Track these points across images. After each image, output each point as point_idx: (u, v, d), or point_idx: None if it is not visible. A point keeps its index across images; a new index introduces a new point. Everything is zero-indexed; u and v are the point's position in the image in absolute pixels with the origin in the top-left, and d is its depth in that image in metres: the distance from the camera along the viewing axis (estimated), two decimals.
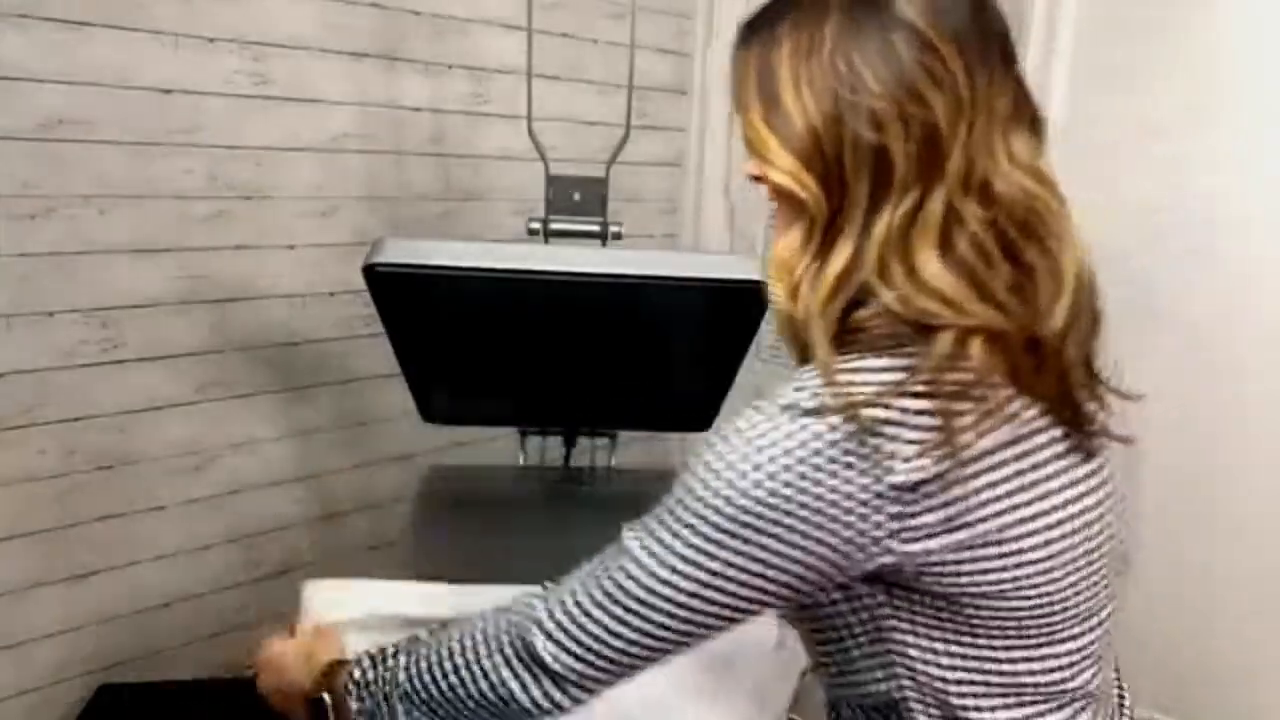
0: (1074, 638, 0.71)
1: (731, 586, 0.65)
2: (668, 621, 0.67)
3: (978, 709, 0.70)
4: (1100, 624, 0.74)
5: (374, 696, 0.79)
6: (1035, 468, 0.66)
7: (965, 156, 0.64)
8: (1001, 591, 0.66)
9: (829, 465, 0.62)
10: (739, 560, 0.64)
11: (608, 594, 0.68)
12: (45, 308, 1.51)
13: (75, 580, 1.61)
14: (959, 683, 0.69)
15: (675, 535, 0.66)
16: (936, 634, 0.68)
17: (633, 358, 1.44)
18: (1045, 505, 0.66)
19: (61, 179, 1.50)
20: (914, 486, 0.61)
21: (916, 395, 0.62)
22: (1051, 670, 0.71)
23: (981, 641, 0.68)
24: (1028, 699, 0.71)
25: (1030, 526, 0.65)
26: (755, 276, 1.24)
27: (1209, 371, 1.66)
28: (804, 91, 0.65)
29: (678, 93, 2.40)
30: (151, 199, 1.59)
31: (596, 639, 0.69)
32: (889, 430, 0.61)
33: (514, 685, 0.71)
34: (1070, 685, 0.72)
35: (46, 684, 1.59)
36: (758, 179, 0.70)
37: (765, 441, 0.64)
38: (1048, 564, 0.67)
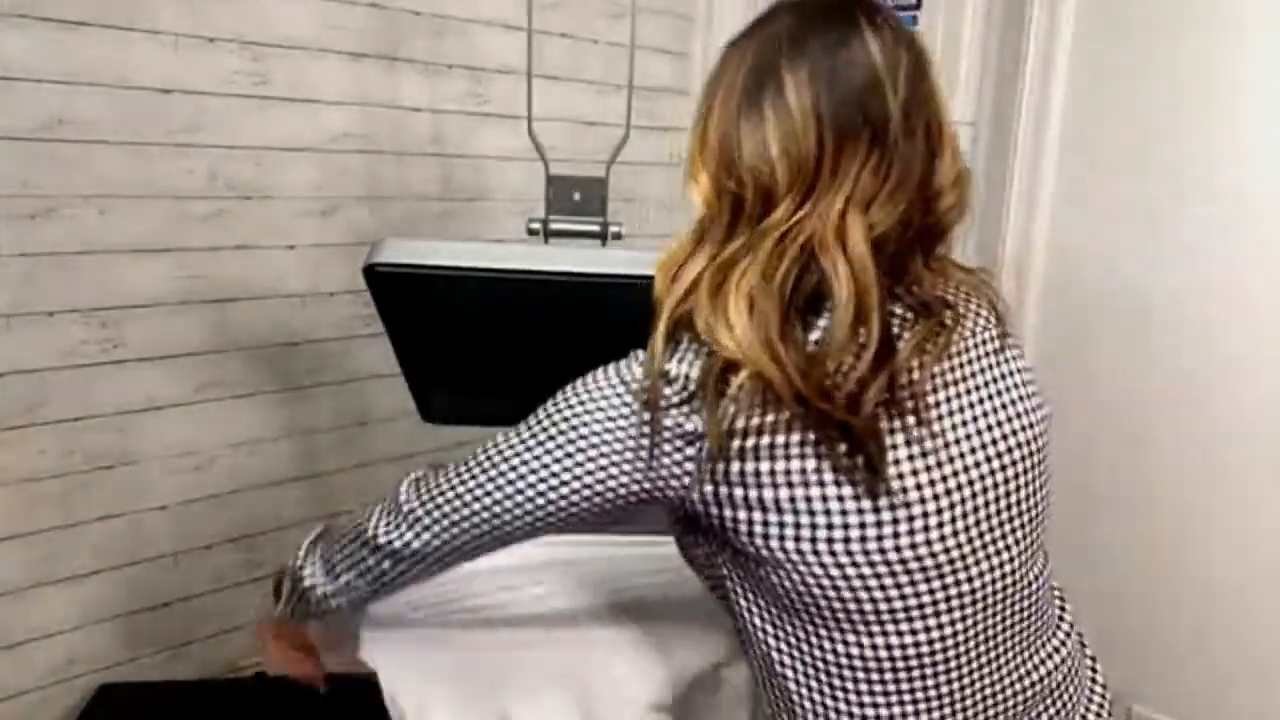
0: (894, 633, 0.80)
1: (543, 484, 0.84)
2: (492, 497, 0.88)
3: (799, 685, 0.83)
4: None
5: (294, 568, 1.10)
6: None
7: (792, 219, 0.75)
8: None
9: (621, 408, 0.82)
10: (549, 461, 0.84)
11: (460, 464, 0.92)
12: (45, 308, 1.51)
13: (75, 580, 1.61)
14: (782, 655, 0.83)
15: (516, 437, 0.88)
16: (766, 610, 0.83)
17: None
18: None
19: (61, 179, 1.50)
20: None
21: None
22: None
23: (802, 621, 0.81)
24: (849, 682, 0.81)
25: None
26: None
27: (1210, 373, 1.66)
28: (718, 120, 0.79)
29: (678, 93, 2.40)
30: (151, 199, 1.59)
31: (440, 491, 0.92)
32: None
33: (371, 519, 0.95)
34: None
35: (46, 684, 1.60)
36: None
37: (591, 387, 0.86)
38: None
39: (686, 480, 0.78)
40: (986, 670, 0.83)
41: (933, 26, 2.04)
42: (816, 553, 0.76)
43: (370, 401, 1.93)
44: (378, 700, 1.13)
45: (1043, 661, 0.88)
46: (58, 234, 1.50)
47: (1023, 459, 0.82)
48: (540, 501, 0.84)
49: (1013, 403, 0.83)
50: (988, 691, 0.83)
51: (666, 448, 0.78)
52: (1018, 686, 0.86)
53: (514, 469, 0.86)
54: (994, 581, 0.81)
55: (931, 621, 0.79)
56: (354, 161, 1.83)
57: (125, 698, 1.62)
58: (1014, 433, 0.82)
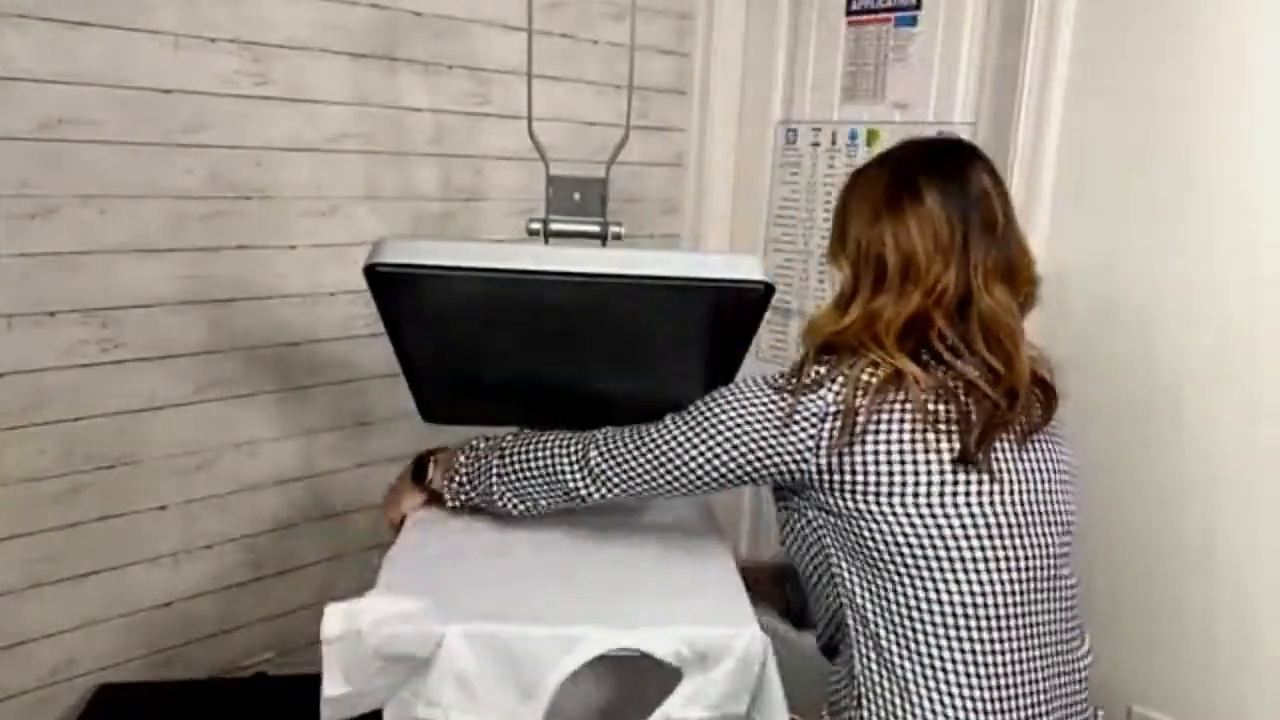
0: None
1: (703, 458, 1.15)
2: (674, 468, 1.16)
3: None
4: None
5: (473, 469, 1.30)
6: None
7: (939, 281, 1.11)
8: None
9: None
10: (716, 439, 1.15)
11: (640, 437, 1.20)
12: (46, 308, 1.51)
13: (75, 580, 1.61)
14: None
15: (683, 421, 1.18)
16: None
17: (633, 358, 1.44)
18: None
19: (61, 179, 1.50)
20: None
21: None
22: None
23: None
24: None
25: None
26: (756, 276, 1.24)
27: (1212, 375, 1.66)
28: (861, 226, 1.17)
29: (678, 93, 2.40)
30: (152, 199, 1.59)
31: (626, 460, 1.19)
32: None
33: (567, 473, 1.21)
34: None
35: (46, 684, 1.60)
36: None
37: (740, 385, 1.20)
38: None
39: (812, 449, 1.08)
40: (1039, 640, 1.08)
41: (933, 26, 2.04)
42: (916, 506, 1.04)
43: (370, 401, 1.93)
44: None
45: (1080, 659, 1.13)
46: (58, 234, 1.50)
47: (1061, 476, 1.16)
48: (701, 472, 1.15)
49: (1059, 441, 1.19)
50: (1040, 664, 1.08)
51: (802, 423, 1.09)
52: (1063, 669, 1.10)
53: (681, 446, 1.15)
54: (1045, 553, 1.09)
55: (996, 577, 1.05)
56: (354, 161, 1.83)
57: (125, 698, 1.62)
58: (1059, 459, 1.17)
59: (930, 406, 1.06)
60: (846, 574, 1.11)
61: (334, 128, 1.79)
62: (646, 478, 1.17)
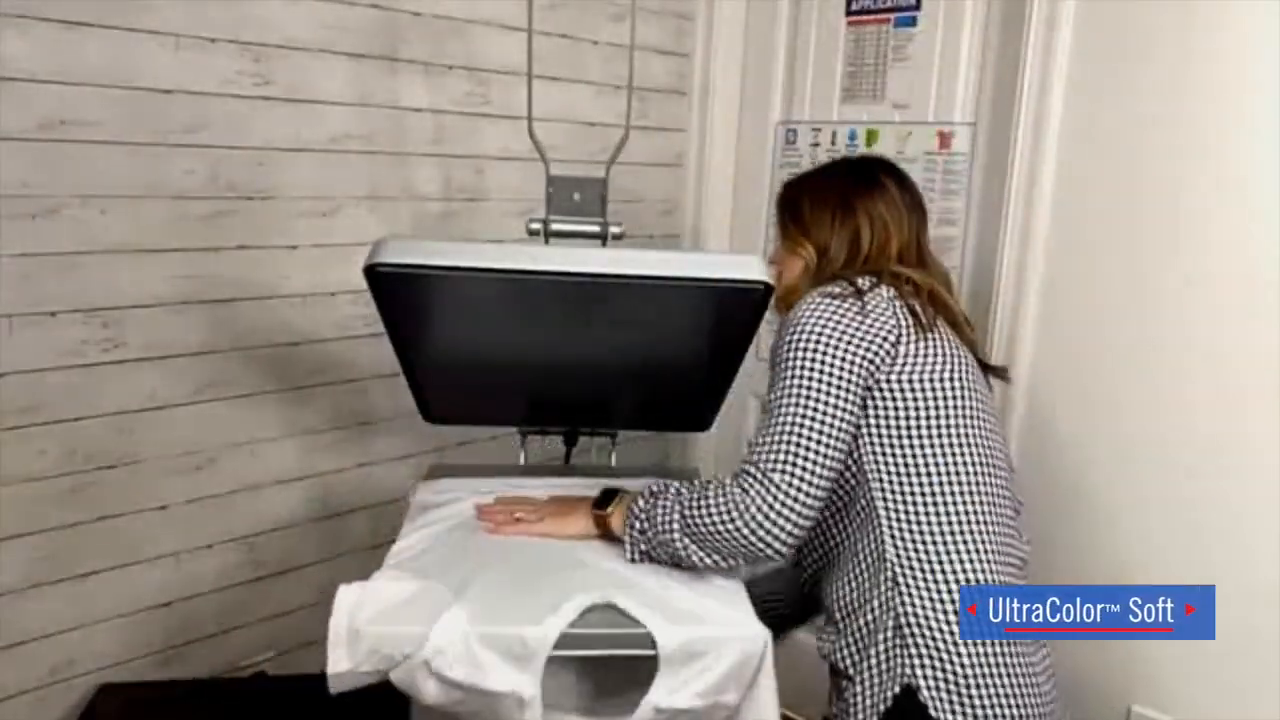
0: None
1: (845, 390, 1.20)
2: (829, 440, 1.16)
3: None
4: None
5: (651, 523, 1.21)
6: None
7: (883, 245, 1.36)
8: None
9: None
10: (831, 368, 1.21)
11: (786, 433, 1.17)
12: (46, 308, 1.51)
13: (75, 580, 1.61)
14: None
15: (805, 387, 1.20)
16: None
17: (633, 358, 1.44)
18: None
19: (62, 179, 1.50)
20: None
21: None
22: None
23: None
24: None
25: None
26: (756, 276, 1.24)
27: (1213, 371, 1.66)
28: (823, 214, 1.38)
29: (678, 93, 2.40)
30: (152, 199, 1.59)
31: (799, 477, 1.14)
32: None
33: (761, 536, 1.13)
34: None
35: (47, 684, 1.60)
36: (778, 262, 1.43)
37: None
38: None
39: (893, 340, 1.22)
40: (1009, 509, 1.27)
41: (932, 26, 2.04)
42: (959, 384, 1.24)
43: (370, 401, 1.93)
44: (377, 702, 1.14)
45: (1023, 551, 1.30)
46: (58, 234, 1.51)
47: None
48: (845, 411, 1.19)
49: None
50: (1010, 542, 1.25)
51: (878, 317, 1.24)
52: (1020, 551, 1.28)
53: (815, 399, 1.18)
54: (997, 438, 1.30)
55: (995, 450, 1.28)
56: (354, 161, 1.83)
57: (125, 698, 1.62)
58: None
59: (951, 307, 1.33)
60: (880, 459, 1.22)
61: (334, 128, 1.79)
62: (825, 466, 1.15)
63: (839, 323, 1.21)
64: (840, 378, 1.18)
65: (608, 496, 1.29)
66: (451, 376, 1.50)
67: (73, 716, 1.61)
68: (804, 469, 1.13)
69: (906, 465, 1.21)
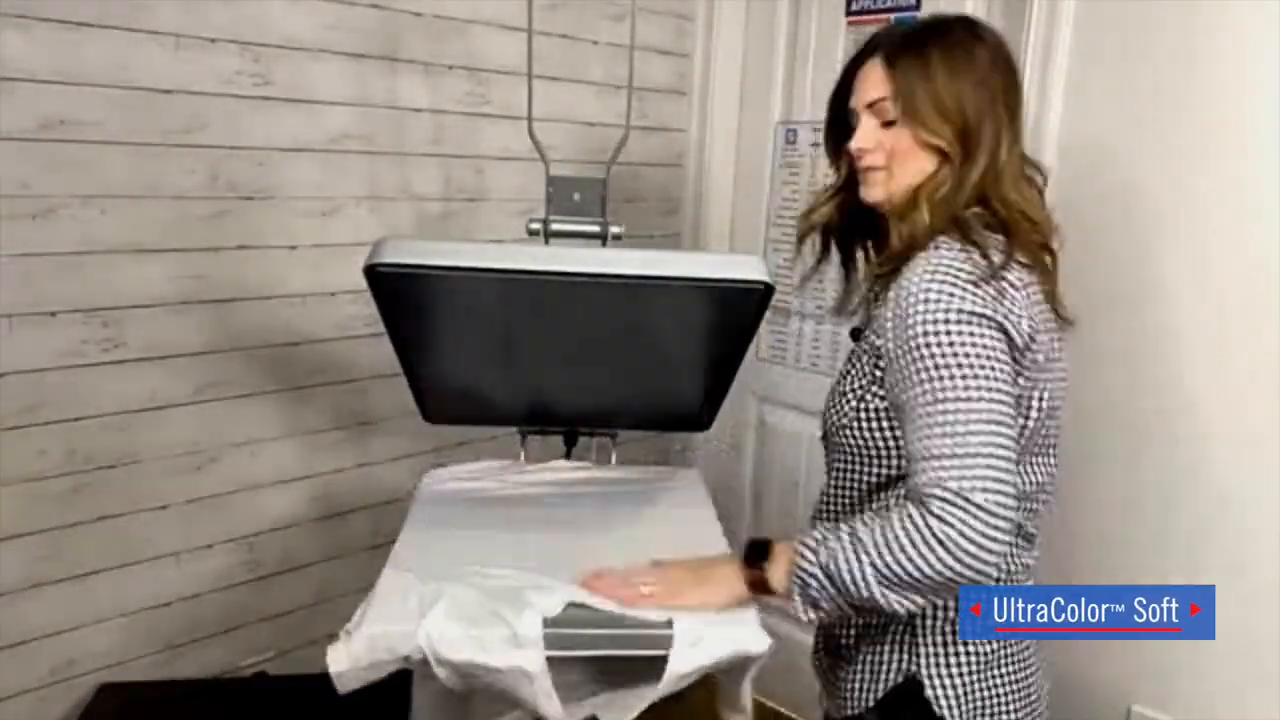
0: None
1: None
2: (1008, 418, 0.99)
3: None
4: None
5: (833, 580, 1.00)
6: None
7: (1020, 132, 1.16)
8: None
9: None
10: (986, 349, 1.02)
11: (965, 436, 0.97)
12: (46, 308, 1.51)
13: (75, 580, 1.61)
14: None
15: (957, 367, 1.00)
16: None
17: (633, 358, 1.44)
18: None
19: (62, 179, 1.50)
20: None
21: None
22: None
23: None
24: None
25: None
26: (757, 276, 1.24)
27: (1213, 368, 1.66)
28: (954, 85, 1.11)
29: (678, 93, 2.40)
30: (152, 199, 1.59)
31: (992, 477, 0.95)
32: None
33: (984, 547, 0.94)
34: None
35: (47, 683, 1.60)
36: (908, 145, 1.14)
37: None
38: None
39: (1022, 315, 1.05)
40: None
41: None
42: (1055, 400, 1.14)
43: (371, 401, 1.93)
44: (378, 701, 1.14)
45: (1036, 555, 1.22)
46: (58, 234, 1.51)
47: None
48: (1007, 395, 1.01)
49: None
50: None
51: (1014, 295, 1.06)
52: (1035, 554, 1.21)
53: (983, 398, 0.98)
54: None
55: (1050, 455, 1.20)
56: (354, 161, 1.83)
57: (125, 698, 1.62)
58: None
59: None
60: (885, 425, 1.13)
61: (334, 128, 1.79)
62: (1007, 452, 0.97)
63: (978, 301, 1.01)
64: (1000, 360, 1.00)
65: (757, 549, 1.08)
66: (451, 376, 1.50)
67: (73, 716, 1.60)
68: (1003, 480, 0.96)
69: None
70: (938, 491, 0.95)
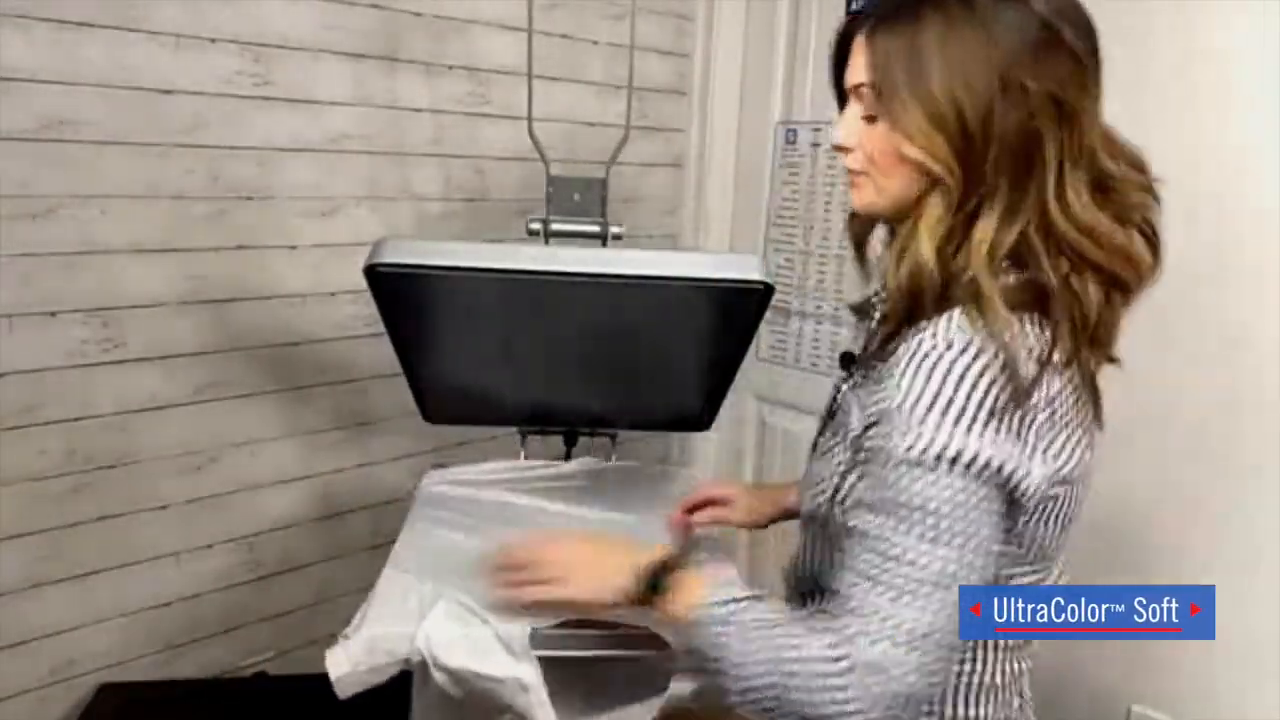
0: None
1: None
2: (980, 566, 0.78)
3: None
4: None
5: (726, 644, 0.81)
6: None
7: (1086, 138, 0.81)
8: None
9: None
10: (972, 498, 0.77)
11: (909, 589, 0.76)
12: (47, 307, 1.51)
13: (75, 580, 1.61)
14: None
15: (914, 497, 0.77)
16: None
17: (633, 358, 1.44)
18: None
19: (62, 179, 1.50)
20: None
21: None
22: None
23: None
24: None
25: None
26: (756, 276, 1.24)
27: (1213, 366, 1.67)
28: (956, 75, 0.78)
29: (678, 93, 2.40)
30: (152, 199, 1.59)
31: (946, 621, 0.77)
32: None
33: (890, 713, 0.76)
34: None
35: (47, 683, 1.60)
36: (895, 158, 0.83)
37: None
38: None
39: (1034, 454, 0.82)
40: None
41: None
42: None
43: (370, 401, 1.93)
44: (378, 703, 1.14)
45: None
46: (58, 234, 1.51)
47: None
48: (988, 559, 0.80)
49: None
50: None
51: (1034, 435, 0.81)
52: None
53: (959, 562, 0.77)
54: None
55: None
56: (354, 161, 1.83)
57: (125, 697, 1.62)
58: None
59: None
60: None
61: (334, 128, 1.79)
62: (950, 628, 0.77)
63: (984, 441, 0.76)
64: (987, 519, 0.78)
65: (661, 575, 0.87)
66: (451, 376, 1.50)
67: (73, 716, 1.60)
68: (951, 635, 0.77)
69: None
70: (871, 637, 0.76)
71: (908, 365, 0.78)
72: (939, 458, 0.75)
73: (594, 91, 2.17)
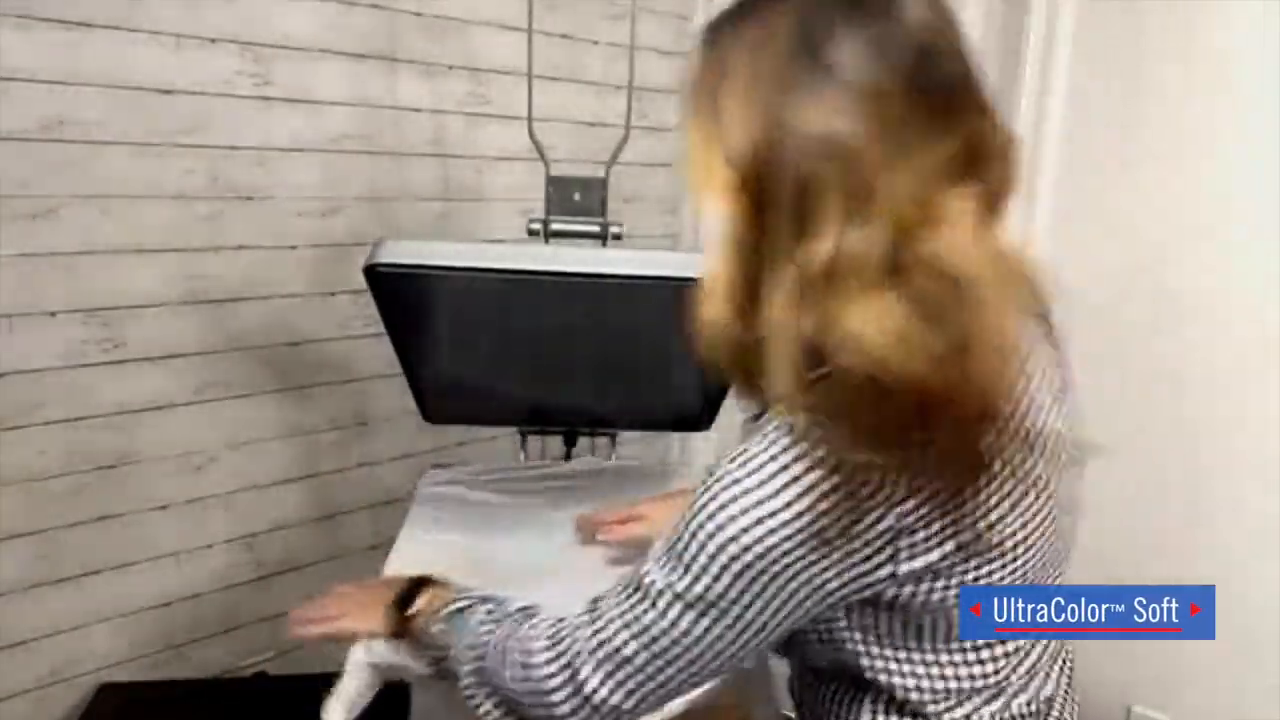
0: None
1: (757, 623, 0.69)
2: (699, 658, 0.72)
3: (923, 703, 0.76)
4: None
5: (449, 637, 0.89)
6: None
7: (893, 203, 0.62)
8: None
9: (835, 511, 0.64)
10: (759, 604, 0.68)
11: (641, 639, 0.73)
12: (46, 308, 1.51)
13: (75, 580, 1.61)
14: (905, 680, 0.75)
15: (696, 580, 0.69)
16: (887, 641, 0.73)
17: (633, 358, 1.44)
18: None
19: (62, 179, 1.50)
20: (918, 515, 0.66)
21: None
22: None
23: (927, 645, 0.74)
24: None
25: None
26: None
27: (1212, 366, 1.67)
28: (748, 108, 0.65)
29: (678, 93, 2.39)
30: (152, 199, 1.59)
31: (636, 680, 0.75)
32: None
33: (560, 706, 0.78)
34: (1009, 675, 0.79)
35: (47, 683, 1.60)
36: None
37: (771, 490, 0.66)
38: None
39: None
40: None
41: None
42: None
43: (370, 401, 1.93)
44: (377, 704, 1.14)
45: None
46: (58, 234, 1.50)
47: None
48: (759, 647, 0.73)
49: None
50: None
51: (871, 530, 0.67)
52: None
53: (724, 639, 0.71)
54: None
55: None
56: (354, 161, 1.83)
57: (125, 697, 1.62)
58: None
59: None
60: (879, 657, 0.76)
61: (334, 128, 1.79)
62: (677, 687, 0.75)
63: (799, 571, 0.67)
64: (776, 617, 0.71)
65: (410, 595, 0.97)
66: (451, 376, 1.50)
67: (73, 716, 1.60)
68: (649, 697, 0.77)
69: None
70: (571, 655, 0.77)
71: (736, 461, 0.69)
72: (728, 564, 0.67)
73: (594, 91, 2.17)
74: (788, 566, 0.66)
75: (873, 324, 0.61)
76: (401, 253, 1.21)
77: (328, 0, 1.74)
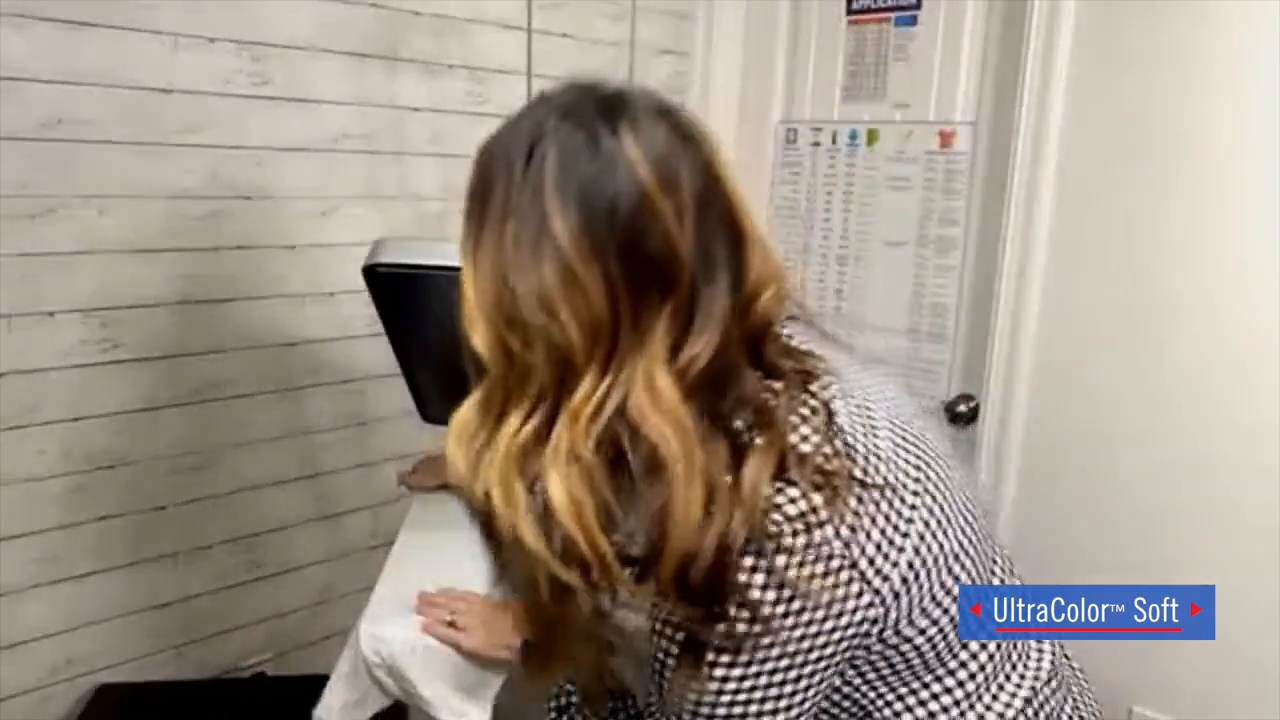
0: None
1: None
2: None
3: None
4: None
5: None
6: None
7: (596, 383, 0.64)
8: None
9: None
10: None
11: None
12: (45, 308, 1.51)
13: (75, 580, 1.61)
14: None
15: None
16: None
17: None
18: None
19: (61, 179, 1.50)
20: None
21: None
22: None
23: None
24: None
25: None
26: None
27: (1210, 369, 1.66)
28: (481, 270, 0.70)
29: (677, 93, 2.39)
30: (151, 199, 1.59)
31: None
32: None
33: None
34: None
35: (46, 684, 1.60)
36: None
37: None
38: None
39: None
40: None
41: (933, 26, 2.04)
42: None
43: (370, 401, 1.93)
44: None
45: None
46: (58, 234, 1.50)
47: None
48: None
49: None
50: None
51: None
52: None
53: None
54: None
55: None
56: (354, 161, 1.83)
57: (125, 698, 1.62)
58: None
59: None
60: (871, 688, 0.81)
61: (334, 128, 1.79)
62: None
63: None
64: None
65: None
66: (451, 377, 1.49)
67: (73, 716, 1.60)
68: None
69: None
70: None
71: None
72: None
73: None
74: None
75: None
76: (401, 252, 1.21)
77: (327, 0, 1.73)
